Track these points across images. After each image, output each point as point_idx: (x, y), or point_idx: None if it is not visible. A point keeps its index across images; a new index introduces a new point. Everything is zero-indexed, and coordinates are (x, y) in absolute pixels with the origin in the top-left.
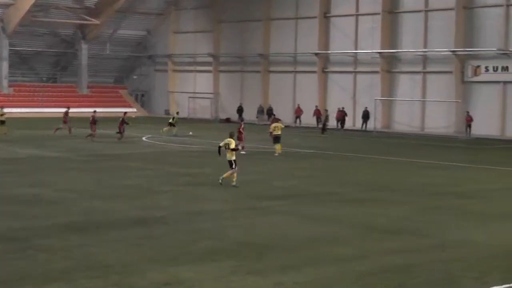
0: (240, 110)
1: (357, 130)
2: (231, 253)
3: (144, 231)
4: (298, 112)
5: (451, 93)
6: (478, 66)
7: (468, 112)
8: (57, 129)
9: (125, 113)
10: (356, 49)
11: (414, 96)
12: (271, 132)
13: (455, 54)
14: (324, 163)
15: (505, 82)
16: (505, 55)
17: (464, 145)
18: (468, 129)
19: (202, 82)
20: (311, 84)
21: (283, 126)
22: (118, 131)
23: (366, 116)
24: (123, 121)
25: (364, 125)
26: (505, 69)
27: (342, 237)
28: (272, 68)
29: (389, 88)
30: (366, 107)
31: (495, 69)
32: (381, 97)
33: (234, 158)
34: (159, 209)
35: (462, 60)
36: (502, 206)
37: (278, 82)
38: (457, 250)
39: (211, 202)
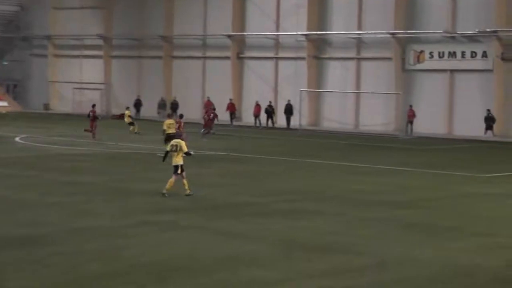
0: (137, 104)
1: (278, 128)
2: (126, 278)
3: (20, 252)
4: (208, 107)
5: (390, 84)
6: (422, 52)
7: (411, 106)
8: None
9: (94, 105)
10: (277, 31)
11: (347, 87)
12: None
13: (395, 37)
14: (239, 168)
15: (452, 71)
16: (452, 38)
17: (405, 146)
18: (409, 126)
19: (90, 69)
20: (224, 73)
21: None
22: (89, 128)
23: (289, 111)
24: (95, 117)
25: (287, 122)
26: (453, 55)
27: (262, 256)
28: (176, 53)
29: (317, 78)
30: (289, 100)
31: (441, 55)
32: (308, 88)
33: (182, 162)
34: (39, 225)
35: (403, 44)
36: (449, 217)
37: (184, 70)
38: (398, 270)
39: (102, 216)
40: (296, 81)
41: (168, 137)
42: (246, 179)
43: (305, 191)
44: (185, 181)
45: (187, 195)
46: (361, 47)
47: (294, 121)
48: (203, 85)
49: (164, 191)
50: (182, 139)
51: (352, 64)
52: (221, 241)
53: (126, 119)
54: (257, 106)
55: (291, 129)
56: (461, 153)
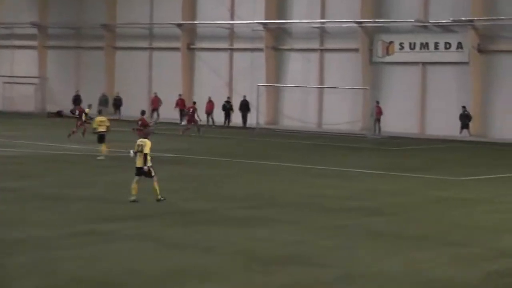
0: (76, 100)
1: (234, 127)
2: None
3: None
4: (155, 104)
5: (356, 78)
6: (391, 43)
7: (377, 102)
8: None
9: (76, 101)
10: (232, 19)
11: (309, 81)
12: (94, 129)
13: (362, 27)
14: (190, 171)
15: (424, 63)
16: (424, 28)
17: (374, 146)
18: (377, 124)
19: (23, 62)
20: (173, 65)
21: (108, 124)
22: (75, 129)
23: (245, 107)
24: (81, 115)
25: (243, 120)
26: (425, 46)
27: (215, 269)
28: (119, 44)
29: (276, 71)
30: (245, 96)
31: (412, 47)
32: (266, 82)
33: (150, 164)
34: None
35: (371, 34)
36: (421, 226)
37: (128, 63)
38: (365, 284)
39: (36, 226)
40: (252, 74)
41: (100, 137)
42: (198, 183)
43: (263, 196)
44: (155, 185)
45: (158, 200)
46: (324, 37)
47: (251, 119)
48: (149, 79)
49: (132, 198)
50: (148, 139)
51: (314, 56)
52: (170, 252)
53: (84, 117)
54: (210, 102)
55: (248, 128)
56: (434, 154)
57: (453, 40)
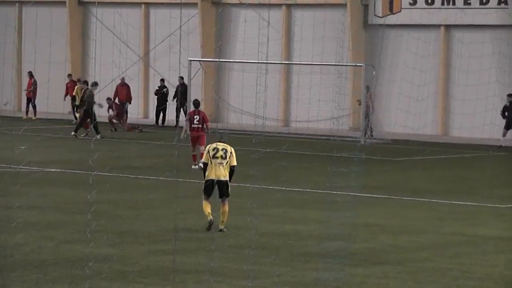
0: None
1: (151, 125)
2: None
3: None
4: (27, 88)
5: (342, 49)
6: None
7: (368, 88)
8: None
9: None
10: None
11: (270, 54)
12: None
13: None
14: (72, 193)
15: (448, 27)
16: None
17: (371, 156)
18: (368, 121)
19: None
20: (58, 28)
21: None
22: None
23: (182, 96)
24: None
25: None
26: (449, 1)
27: None
28: None
29: (218, 38)
30: (182, 78)
31: (430, 1)
32: (201, 56)
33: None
34: None
35: None
36: (440, 282)
37: None
38: None
39: None
40: (180, 44)
41: None
42: (104, 217)
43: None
44: (226, 209)
45: (220, 230)
46: None
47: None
48: (17, 50)
49: (210, 218)
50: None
51: (277, 15)
52: None
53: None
54: (124, 86)
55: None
56: (462, 168)
57: None
